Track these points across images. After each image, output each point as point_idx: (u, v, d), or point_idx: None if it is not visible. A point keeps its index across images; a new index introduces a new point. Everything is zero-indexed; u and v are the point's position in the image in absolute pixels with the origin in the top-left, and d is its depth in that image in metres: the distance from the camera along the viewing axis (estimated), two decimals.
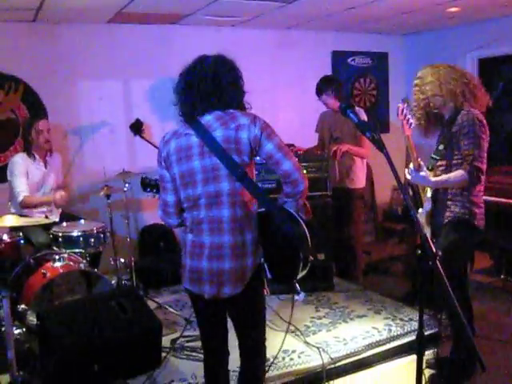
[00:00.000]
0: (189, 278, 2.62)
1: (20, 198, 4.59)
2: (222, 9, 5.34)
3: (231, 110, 2.51)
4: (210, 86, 2.53)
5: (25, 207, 4.65)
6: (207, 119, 2.50)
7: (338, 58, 7.15)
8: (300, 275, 2.57)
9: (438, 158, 3.39)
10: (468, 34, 6.59)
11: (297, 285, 2.64)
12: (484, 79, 6.59)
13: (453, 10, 5.77)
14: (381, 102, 7.62)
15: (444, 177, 3.26)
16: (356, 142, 5.22)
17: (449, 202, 3.34)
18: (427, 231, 3.48)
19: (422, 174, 3.27)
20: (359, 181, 5.44)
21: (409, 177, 3.38)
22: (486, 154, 3.19)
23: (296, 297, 2.68)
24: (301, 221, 2.55)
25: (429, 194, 3.45)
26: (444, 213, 3.36)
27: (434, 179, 3.28)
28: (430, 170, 3.36)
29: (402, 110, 3.52)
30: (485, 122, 3.26)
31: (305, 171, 4.91)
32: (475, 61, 6.68)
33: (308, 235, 2.53)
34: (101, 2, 4.89)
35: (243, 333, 2.77)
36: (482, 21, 6.32)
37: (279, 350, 3.59)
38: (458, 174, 3.18)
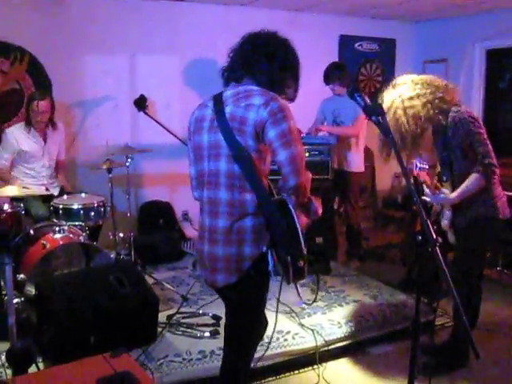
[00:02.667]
0: (199, 262, 2.57)
1: None
2: None
3: (253, 87, 2.38)
4: (246, 57, 2.46)
5: None
6: (227, 93, 2.41)
7: (346, 42, 7.12)
8: (296, 281, 2.38)
9: (445, 166, 3.38)
10: (477, 24, 6.56)
11: (298, 289, 2.54)
12: (491, 70, 6.64)
13: None
14: (386, 89, 7.57)
15: (462, 187, 3.23)
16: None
17: (471, 203, 3.31)
18: (451, 237, 3.50)
19: (442, 196, 3.27)
20: (355, 165, 5.47)
21: (428, 199, 3.38)
22: (490, 147, 3.19)
23: (296, 302, 2.58)
24: (294, 220, 2.30)
25: None
26: (466, 213, 3.35)
27: (453, 195, 3.27)
28: (445, 182, 3.37)
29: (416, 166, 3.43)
30: (475, 114, 3.26)
31: (307, 154, 4.92)
32: (483, 51, 6.66)
33: (301, 237, 2.30)
34: None
35: (231, 326, 2.68)
36: (492, 11, 6.27)
37: (274, 331, 3.62)
38: (472, 178, 3.18)
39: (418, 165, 3.26)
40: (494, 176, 3.19)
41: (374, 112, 2.12)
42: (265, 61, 2.41)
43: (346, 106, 5.18)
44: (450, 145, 3.28)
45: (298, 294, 2.68)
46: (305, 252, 2.30)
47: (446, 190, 3.31)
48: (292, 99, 2.54)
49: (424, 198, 3.40)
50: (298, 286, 2.47)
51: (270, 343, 3.54)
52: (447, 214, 3.46)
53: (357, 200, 5.70)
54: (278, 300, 2.80)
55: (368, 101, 2.21)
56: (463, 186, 3.24)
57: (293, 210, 2.30)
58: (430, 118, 3.21)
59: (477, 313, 3.59)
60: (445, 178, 3.37)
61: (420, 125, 3.23)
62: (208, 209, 2.45)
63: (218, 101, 2.39)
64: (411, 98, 3.26)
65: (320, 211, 2.44)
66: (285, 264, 2.29)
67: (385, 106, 3.31)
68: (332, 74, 5.36)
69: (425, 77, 3.38)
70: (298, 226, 2.29)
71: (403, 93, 3.33)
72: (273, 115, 2.26)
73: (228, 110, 2.33)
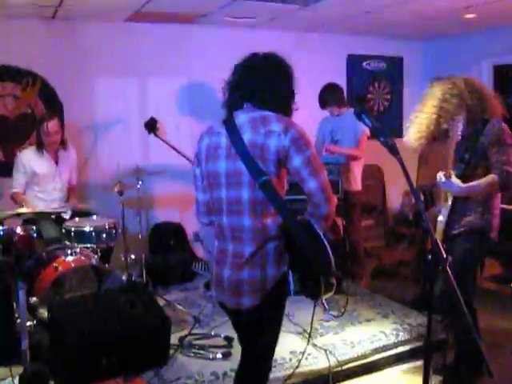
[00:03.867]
0: (215, 285, 2.56)
1: (11, 191, 4.84)
2: (239, 10, 5.37)
3: (268, 113, 2.37)
4: (249, 82, 2.47)
5: (12, 200, 4.84)
6: (241, 120, 2.39)
7: (353, 61, 7.16)
8: (324, 297, 2.42)
9: (462, 167, 3.33)
10: (484, 40, 6.59)
11: (325, 303, 2.54)
12: (499, 86, 6.64)
13: (469, 16, 5.77)
14: (395, 107, 7.61)
15: (474, 182, 3.18)
16: (356, 145, 5.33)
17: (468, 212, 3.31)
18: (439, 239, 3.47)
19: (454, 180, 3.23)
20: (356, 184, 5.48)
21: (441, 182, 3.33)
22: None
23: (323, 315, 2.56)
24: (323, 240, 2.32)
25: (450, 202, 3.42)
26: (460, 221, 3.34)
27: (465, 185, 3.20)
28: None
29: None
30: (509, 131, 3.26)
31: None
32: (490, 67, 6.67)
33: (331, 257, 2.32)
34: (119, 1, 4.94)
35: (249, 349, 2.67)
36: (498, 28, 6.30)
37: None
38: (488, 178, 3.14)
39: None
40: (509, 185, 3.14)
41: (382, 133, 2.13)
42: (274, 87, 2.46)
43: (343, 125, 5.19)
44: (476, 150, 3.22)
45: (325, 308, 2.69)
46: (334, 270, 2.34)
47: (456, 179, 3.23)
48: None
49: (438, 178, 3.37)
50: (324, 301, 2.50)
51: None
52: (442, 215, 3.42)
53: (359, 218, 5.70)
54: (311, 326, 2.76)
55: (374, 121, 2.22)
56: (475, 182, 3.18)
57: (319, 231, 2.33)
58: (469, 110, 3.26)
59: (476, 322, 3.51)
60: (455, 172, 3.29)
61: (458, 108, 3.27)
62: (230, 235, 2.44)
63: (232, 127, 2.38)
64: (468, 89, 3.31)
65: (341, 231, 2.52)
66: (316, 283, 2.33)
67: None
68: (328, 99, 5.35)
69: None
70: (327, 245, 2.31)
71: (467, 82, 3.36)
72: (295, 142, 2.27)
73: (247, 136, 2.32)
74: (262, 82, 2.44)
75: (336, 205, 2.37)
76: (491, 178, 3.13)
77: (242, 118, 2.40)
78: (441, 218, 3.40)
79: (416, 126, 3.49)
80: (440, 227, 3.37)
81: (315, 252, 2.30)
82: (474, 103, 3.24)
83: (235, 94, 2.50)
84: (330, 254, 2.31)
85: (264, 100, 2.41)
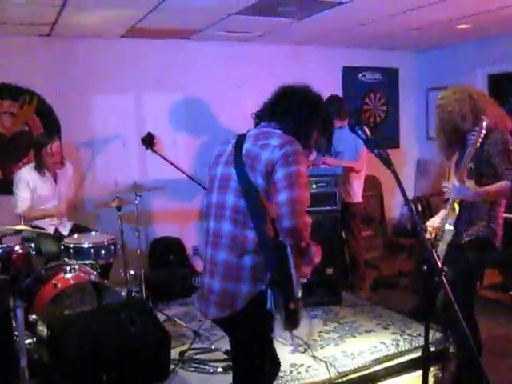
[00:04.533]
0: (198, 293, 2.58)
1: (18, 210, 4.66)
2: (234, 25, 5.41)
3: (276, 130, 2.42)
4: (277, 103, 2.53)
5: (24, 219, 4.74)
6: (251, 132, 2.48)
7: (349, 73, 7.20)
8: (288, 328, 2.35)
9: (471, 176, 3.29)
10: (478, 50, 6.63)
11: (293, 336, 2.44)
12: (493, 95, 6.67)
13: (463, 26, 5.81)
14: (391, 118, 7.65)
15: (486, 188, 3.18)
16: (356, 157, 5.37)
17: (475, 221, 3.29)
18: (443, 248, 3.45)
19: (465, 186, 3.18)
20: (356, 196, 5.51)
21: (449, 191, 3.30)
22: None
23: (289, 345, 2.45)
24: (290, 264, 2.22)
25: (457, 211, 3.37)
26: (467, 230, 3.31)
27: (481, 189, 3.19)
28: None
29: None
30: None
31: (314, 186, 4.97)
32: (485, 76, 6.71)
33: (292, 281, 2.22)
34: (114, 18, 4.98)
35: (234, 360, 2.70)
36: (493, 37, 6.35)
37: None
38: (502, 183, 3.13)
39: None
40: None
41: (376, 144, 2.15)
42: (296, 109, 2.47)
43: (344, 137, 5.19)
44: (480, 158, 3.21)
45: (292, 340, 2.54)
46: (297, 296, 2.25)
47: (472, 183, 3.20)
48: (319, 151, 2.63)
49: (445, 188, 3.36)
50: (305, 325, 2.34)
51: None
52: (449, 224, 3.38)
53: (359, 230, 5.72)
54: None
55: (369, 133, 2.24)
56: (490, 187, 3.17)
57: (290, 253, 2.22)
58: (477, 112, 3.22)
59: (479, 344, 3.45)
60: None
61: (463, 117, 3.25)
62: (211, 240, 2.45)
63: (241, 138, 2.45)
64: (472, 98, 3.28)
65: (317, 260, 2.38)
66: (278, 305, 2.27)
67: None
68: (330, 111, 5.36)
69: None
70: (291, 268, 2.22)
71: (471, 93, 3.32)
72: (285, 157, 2.26)
73: (246, 146, 2.38)
74: (291, 110, 2.49)
75: (310, 225, 2.28)
76: (504, 183, 3.12)
77: (253, 131, 2.49)
78: (448, 226, 3.37)
79: (437, 138, 3.51)
80: (448, 237, 3.35)
81: (275, 272, 2.25)
82: (479, 111, 3.22)
83: (262, 112, 2.56)
84: (294, 278, 2.23)
85: (282, 120, 2.46)
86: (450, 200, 3.31)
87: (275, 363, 2.67)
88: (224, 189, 2.40)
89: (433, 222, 3.50)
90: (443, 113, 3.34)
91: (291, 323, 2.30)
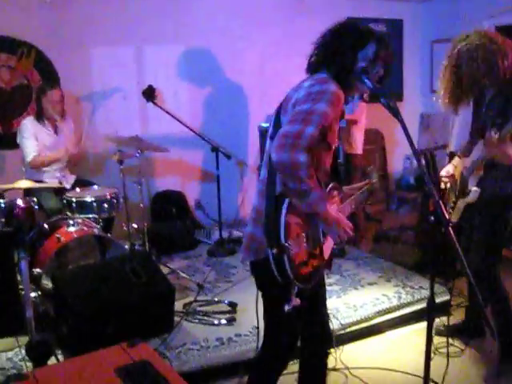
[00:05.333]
0: None
1: (29, 158, 4.70)
2: None
3: (320, 75, 2.27)
4: (323, 46, 2.39)
5: (34, 167, 4.78)
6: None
7: None
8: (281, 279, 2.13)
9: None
10: (484, 1, 6.48)
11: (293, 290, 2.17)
12: None
13: None
14: (395, 70, 7.53)
15: None
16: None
17: (500, 179, 3.17)
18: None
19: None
20: (356, 146, 5.50)
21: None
22: None
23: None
24: (282, 209, 2.12)
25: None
26: (491, 188, 3.19)
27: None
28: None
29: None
30: None
31: None
32: (492, 28, 6.57)
33: (280, 227, 2.10)
34: None
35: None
36: None
37: None
38: None
39: None
40: None
41: (383, 94, 2.11)
42: (339, 50, 2.30)
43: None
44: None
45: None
46: (282, 242, 2.08)
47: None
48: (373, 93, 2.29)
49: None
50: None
51: None
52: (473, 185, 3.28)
53: (359, 182, 5.70)
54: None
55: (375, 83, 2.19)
56: None
57: (286, 200, 2.13)
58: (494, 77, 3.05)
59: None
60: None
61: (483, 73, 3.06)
62: (256, 186, 2.44)
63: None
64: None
65: (319, 208, 2.15)
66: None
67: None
68: None
69: None
70: (282, 216, 2.11)
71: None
72: (307, 95, 2.15)
73: (288, 91, 2.31)
74: (326, 45, 2.37)
75: (306, 166, 2.04)
76: None
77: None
78: (473, 187, 3.26)
79: (441, 90, 3.35)
80: (472, 197, 3.25)
81: (267, 220, 2.16)
82: (498, 63, 3.02)
83: (312, 57, 2.42)
84: (282, 225, 2.10)
85: (327, 64, 2.32)
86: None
87: (323, 336, 2.63)
88: (267, 135, 2.38)
89: (447, 172, 3.44)
90: (464, 61, 3.11)
91: (277, 270, 2.10)
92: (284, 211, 2.12)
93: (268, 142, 2.32)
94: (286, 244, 2.08)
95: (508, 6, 6.08)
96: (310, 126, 2.04)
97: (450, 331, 3.56)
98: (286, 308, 2.16)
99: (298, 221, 2.19)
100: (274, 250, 2.07)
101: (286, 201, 2.13)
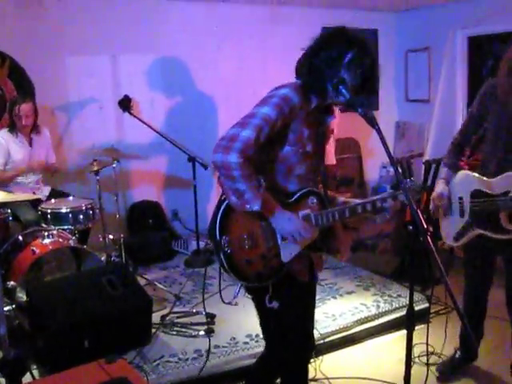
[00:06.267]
0: None
1: None
2: None
3: (289, 82, 2.30)
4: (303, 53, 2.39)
5: None
6: None
7: None
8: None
9: None
10: (458, 11, 6.54)
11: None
12: (474, 57, 6.64)
13: None
14: None
15: None
16: None
17: None
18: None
19: None
20: (328, 157, 5.49)
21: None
22: None
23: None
24: (221, 204, 2.28)
25: None
26: None
27: None
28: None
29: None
30: None
31: None
32: (465, 38, 6.66)
33: (216, 219, 2.26)
34: None
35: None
36: None
37: None
38: None
39: None
40: None
41: (361, 103, 2.10)
42: (307, 58, 2.34)
43: None
44: None
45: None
46: (217, 239, 2.24)
47: None
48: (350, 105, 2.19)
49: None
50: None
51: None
52: None
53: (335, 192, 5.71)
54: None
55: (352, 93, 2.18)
56: None
57: (226, 202, 2.25)
58: None
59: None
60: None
61: None
62: None
63: None
64: None
65: (253, 207, 2.17)
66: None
67: None
68: None
69: None
70: (219, 214, 2.26)
71: None
72: (261, 100, 2.23)
73: None
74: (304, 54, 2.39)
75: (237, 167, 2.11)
76: None
77: None
78: None
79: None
80: None
81: (211, 219, 2.30)
82: None
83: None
84: (218, 218, 2.25)
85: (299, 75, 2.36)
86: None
87: (306, 344, 2.60)
88: None
89: (440, 196, 3.20)
90: None
91: (220, 264, 2.29)
92: (221, 211, 2.26)
93: None
94: (222, 241, 2.23)
95: (481, 17, 6.16)
96: (246, 129, 2.12)
97: (453, 368, 3.52)
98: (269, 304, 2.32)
99: (239, 221, 2.27)
100: (211, 245, 2.27)
101: (226, 202, 2.25)
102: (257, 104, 2.22)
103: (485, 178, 3.02)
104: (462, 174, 3.17)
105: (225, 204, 2.26)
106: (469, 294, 3.34)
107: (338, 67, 2.24)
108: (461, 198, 3.13)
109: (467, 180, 3.12)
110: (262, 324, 2.55)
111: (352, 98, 2.15)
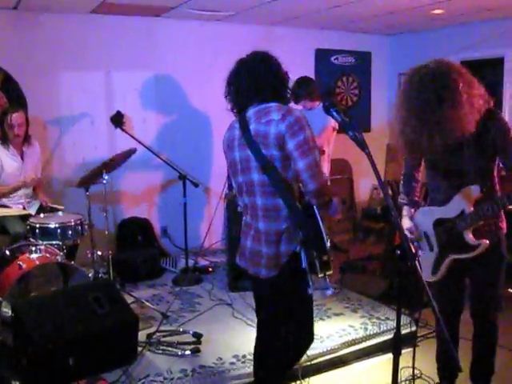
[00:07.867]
0: (239, 252, 2.91)
1: None
2: (206, 3, 5.31)
3: (270, 104, 2.65)
4: (246, 82, 2.71)
5: None
6: (249, 113, 2.69)
7: (322, 55, 7.16)
8: (321, 274, 2.73)
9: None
10: (451, 36, 6.63)
11: (326, 280, 2.78)
12: None
13: (437, 12, 5.80)
14: (363, 102, 7.64)
15: None
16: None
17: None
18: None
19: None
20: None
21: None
22: None
23: (326, 291, 2.89)
24: (318, 219, 2.69)
25: None
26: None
27: None
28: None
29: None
30: None
31: None
32: (458, 63, 6.71)
33: (324, 235, 2.68)
34: None
35: (266, 321, 3.00)
36: (466, 23, 6.36)
37: None
38: None
39: None
40: None
41: (351, 127, 2.12)
42: (267, 80, 2.71)
43: (314, 119, 5.13)
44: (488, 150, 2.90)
45: (326, 284, 2.71)
46: (328, 248, 2.69)
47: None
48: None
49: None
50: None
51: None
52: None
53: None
54: None
55: (343, 116, 2.20)
56: None
57: (317, 212, 2.68)
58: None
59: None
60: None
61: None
62: (250, 212, 2.80)
63: (243, 121, 2.69)
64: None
65: (338, 212, 2.72)
66: (312, 259, 2.66)
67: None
68: (300, 93, 5.27)
69: None
70: (321, 226, 2.68)
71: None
72: (290, 128, 2.54)
73: (252, 127, 2.64)
74: (256, 80, 2.70)
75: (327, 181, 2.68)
76: None
77: (250, 112, 2.70)
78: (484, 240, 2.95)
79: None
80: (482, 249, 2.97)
81: (308, 231, 2.62)
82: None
83: (241, 97, 2.75)
84: (324, 234, 2.67)
85: (263, 94, 2.68)
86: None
87: (307, 338, 3.09)
88: (247, 170, 2.70)
89: (410, 230, 3.12)
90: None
91: (325, 268, 2.71)
92: (320, 221, 2.71)
93: (256, 175, 2.66)
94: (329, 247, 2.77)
95: (476, 40, 6.23)
96: (315, 151, 2.60)
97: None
98: (310, 291, 2.77)
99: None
100: (325, 257, 2.70)
101: (317, 212, 2.71)
102: (292, 132, 2.56)
103: (442, 207, 3.00)
104: (421, 210, 3.16)
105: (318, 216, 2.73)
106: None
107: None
108: (426, 233, 3.09)
109: (427, 214, 3.09)
110: (285, 312, 2.87)
111: (343, 121, 2.20)
